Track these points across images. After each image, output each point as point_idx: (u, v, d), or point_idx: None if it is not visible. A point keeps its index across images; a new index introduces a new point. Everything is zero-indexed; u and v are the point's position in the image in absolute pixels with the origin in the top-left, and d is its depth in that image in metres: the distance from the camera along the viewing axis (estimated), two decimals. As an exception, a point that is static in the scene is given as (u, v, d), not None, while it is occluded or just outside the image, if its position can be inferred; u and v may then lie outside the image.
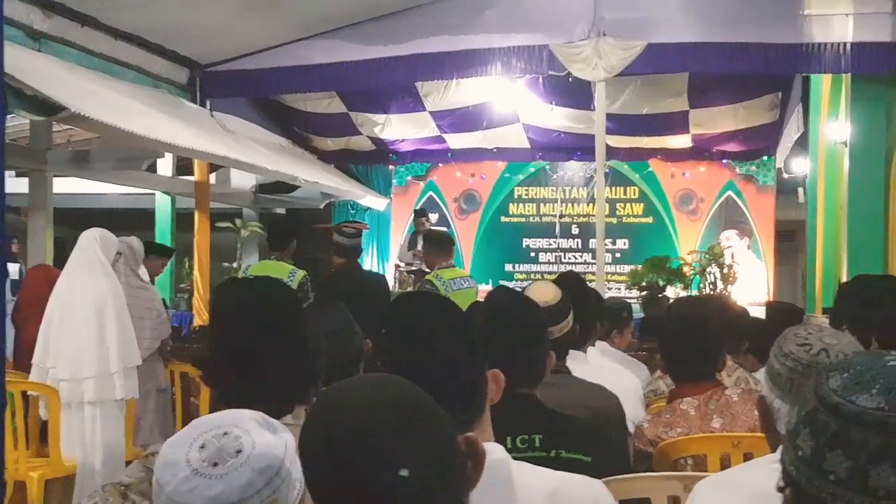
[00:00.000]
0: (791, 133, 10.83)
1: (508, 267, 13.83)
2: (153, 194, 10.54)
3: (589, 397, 2.84)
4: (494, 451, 1.68)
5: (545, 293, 3.04)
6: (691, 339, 3.10)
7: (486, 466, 1.62)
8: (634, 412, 3.33)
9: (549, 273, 12.67)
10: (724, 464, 2.69)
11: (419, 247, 9.38)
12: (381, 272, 12.19)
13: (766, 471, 1.77)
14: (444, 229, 12.13)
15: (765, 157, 12.93)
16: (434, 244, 7.15)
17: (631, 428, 3.13)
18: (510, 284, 12.55)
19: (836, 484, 1.04)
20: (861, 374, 1.08)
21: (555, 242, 13.55)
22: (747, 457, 2.53)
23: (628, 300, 10.33)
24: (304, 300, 6.35)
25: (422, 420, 1.18)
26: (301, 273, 6.62)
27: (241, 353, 2.06)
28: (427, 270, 7.52)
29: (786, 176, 13.15)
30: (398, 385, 1.23)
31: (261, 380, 2.04)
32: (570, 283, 3.22)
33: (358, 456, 1.13)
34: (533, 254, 13.87)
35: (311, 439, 1.18)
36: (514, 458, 1.82)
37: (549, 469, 1.78)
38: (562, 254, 13.64)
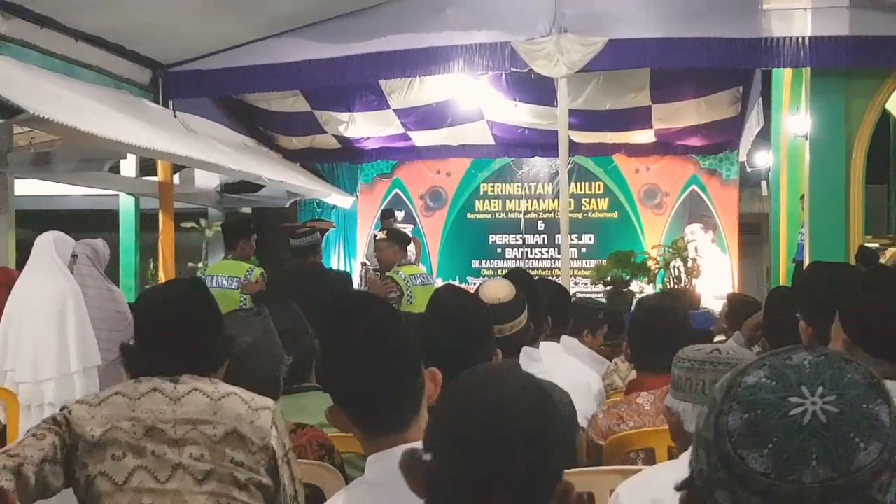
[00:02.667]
0: (752, 127, 10.94)
1: (475, 263, 13.87)
2: (117, 195, 10.47)
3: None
4: None
5: (498, 291, 3.06)
6: (657, 328, 3.14)
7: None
8: (587, 408, 3.37)
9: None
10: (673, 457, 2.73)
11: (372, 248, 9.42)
12: (347, 270, 12.20)
13: (673, 470, 1.86)
14: (406, 227, 12.17)
15: (728, 151, 13.04)
16: (393, 242, 7.19)
17: (583, 422, 3.16)
18: (476, 281, 12.62)
19: None
20: (760, 421, 1.00)
21: (521, 238, 13.60)
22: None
23: (594, 295, 10.54)
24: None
25: (557, 423, 1.30)
26: (258, 270, 6.65)
27: (157, 330, 2.48)
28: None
29: (749, 169, 13.29)
30: (542, 386, 1.31)
31: (172, 353, 2.44)
32: (519, 280, 3.24)
33: (497, 432, 1.23)
34: (499, 250, 13.92)
35: (454, 427, 1.26)
36: None
37: None
38: (528, 249, 13.70)
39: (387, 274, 7.17)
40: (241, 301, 6.55)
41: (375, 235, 7.53)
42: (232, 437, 2.33)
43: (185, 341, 2.44)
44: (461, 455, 1.23)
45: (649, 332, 3.19)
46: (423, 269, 9.00)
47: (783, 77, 10.62)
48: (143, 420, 2.34)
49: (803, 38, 8.62)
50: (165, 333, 2.46)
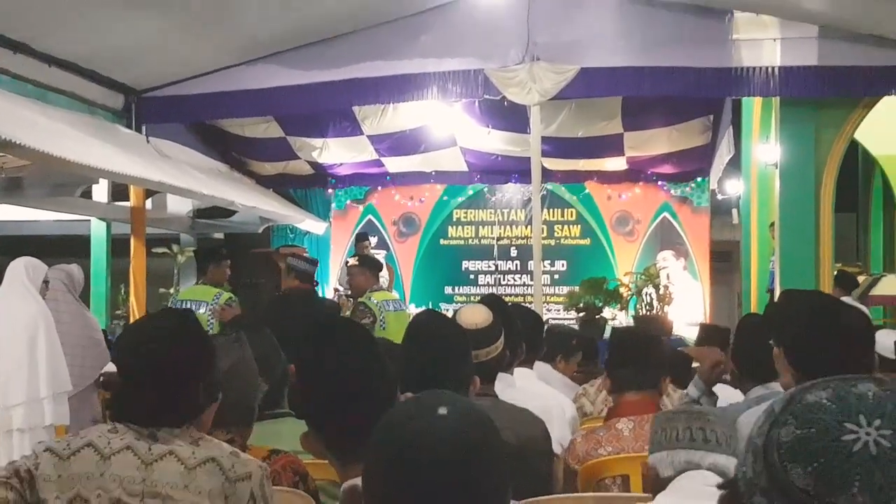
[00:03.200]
0: (723, 155, 11.06)
1: (448, 289, 13.86)
2: (88, 221, 10.39)
3: (514, 421, 2.86)
4: None
5: (475, 316, 3.06)
6: (636, 345, 3.15)
7: None
8: (562, 434, 3.37)
9: (490, 295, 12.71)
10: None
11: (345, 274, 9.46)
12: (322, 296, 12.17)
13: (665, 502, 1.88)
14: (379, 253, 12.18)
15: (699, 179, 13.15)
16: (365, 268, 7.23)
17: (558, 450, 3.15)
18: (450, 307, 12.62)
19: None
20: (811, 439, 1.02)
21: (494, 265, 13.62)
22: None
23: (566, 321, 10.56)
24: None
25: (497, 442, 1.29)
26: (226, 295, 6.71)
27: (138, 373, 2.25)
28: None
29: (720, 197, 13.43)
30: (476, 412, 1.30)
31: (153, 399, 2.23)
32: (494, 306, 3.25)
33: (440, 474, 1.20)
34: (472, 276, 13.92)
35: (394, 450, 1.24)
36: None
37: None
38: (501, 276, 13.72)
39: (359, 300, 7.18)
40: (209, 326, 6.58)
41: (347, 262, 7.55)
42: None
43: (170, 386, 2.24)
44: (392, 484, 1.22)
45: (628, 349, 3.20)
46: (395, 294, 9.01)
47: (753, 106, 10.75)
48: (110, 491, 2.15)
49: (773, 68, 8.73)
50: (148, 377, 2.24)
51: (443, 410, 1.22)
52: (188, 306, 6.85)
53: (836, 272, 9.52)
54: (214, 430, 2.47)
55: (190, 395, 2.26)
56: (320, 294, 12.24)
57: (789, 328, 2.40)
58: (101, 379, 6.21)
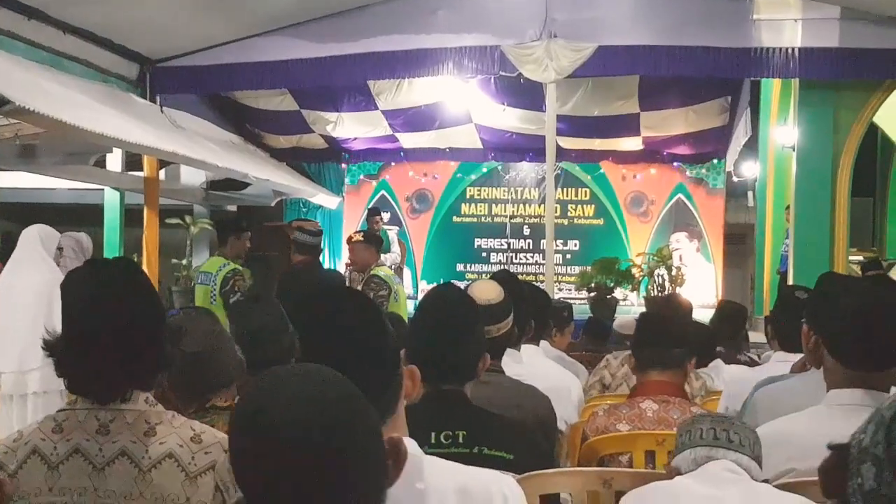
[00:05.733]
0: (740, 137, 10.97)
1: (460, 267, 13.86)
2: (101, 190, 10.40)
3: (520, 397, 2.85)
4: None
5: (487, 292, 3.05)
6: (664, 325, 3.12)
7: None
8: (567, 412, 3.35)
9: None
10: (651, 461, 2.72)
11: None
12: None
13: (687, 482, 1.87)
14: (392, 229, 12.18)
15: (715, 161, 13.08)
16: (369, 244, 7.24)
17: (563, 427, 3.14)
18: (461, 284, 12.60)
19: None
20: None
21: (506, 243, 13.59)
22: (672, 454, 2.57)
23: (577, 301, 10.54)
24: (231, 293, 6.43)
25: (352, 418, 1.20)
26: (229, 267, 6.70)
27: (82, 336, 1.99)
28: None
29: (735, 179, 13.33)
30: (333, 381, 1.24)
31: (92, 363, 1.98)
32: (505, 282, 3.23)
33: (285, 449, 1.14)
34: (484, 254, 13.92)
35: (241, 428, 1.19)
36: (437, 454, 1.85)
37: (463, 465, 1.79)
38: (513, 254, 13.70)
39: (373, 272, 7.18)
40: (211, 297, 6.58)
41: (350, 237, 7.54)
42: None
43: (130, 346, 1.98)
44: (239, 470, 1.19)
45: (655, 328, 3.16)
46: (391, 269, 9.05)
47: (772, 88, 10.66)
48: None
49: (793, 49, 8.64)
50: (105, 336, 1.98)
51: (291, 395, 1.17)
52: (200, 277, 6.88)
53: (863, 259, 9.44)
54: (217, 393, 2.44)
55: (150, 357, 2.02)
56: (327, 267, 12.30)
57: (835, 322, 2.37)
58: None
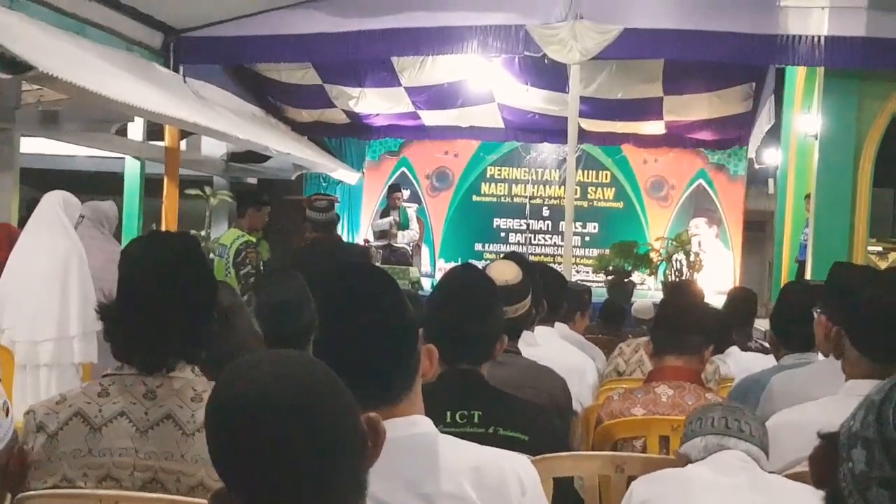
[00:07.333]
0: (763, 124, 10.90)
1: (478, 246, 13.86)
2: (122, 158, 10.43)
3: (535, 378, 2.85)
4: (421, 425, 1.70)
5: (505, 273, 3.04)
6: (683, 310, 3.10)
7: (410, 439, 1.65)
8: (582, 394, 3.36)
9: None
10: (664, 446, 2.73)
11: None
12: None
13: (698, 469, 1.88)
14: (411, 206, 12.17)
15: (737, 147, 13.01)
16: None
17: (578, 408, 3.14)
18: (479, 264, 12.60)
19: None
20: None
21: (525, 224, 13.57)
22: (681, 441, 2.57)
23: (594, 284, 10.53)
24: (242, 265, 6.43)
25: (323, 398, 1.19)
26: (243, 239, 6.69)
27: (137, 304, 2.04)
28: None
29: (757, 166, 13.25)
30: (304, 363, 1.24)
31: (143, 332, 2.02)
32: (518, 263, 3.22)
33: (256, 429, 1.15)
34: (503, 234, 13.91)
35: (214, 410, 1.20)
36: (452, 433, 1.84)
37: (477, 445, 1.80)
38: (532, 235, 13.68)
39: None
40: (226, 270, 6.57)
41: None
42: (199, 493, 1.93)
43: (173, 315, 2.02)
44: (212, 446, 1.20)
45: (674, 313, 3.14)
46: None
47: (797, 75, 10.57)
48: (98, 469, 1.96)
49: (819, 37, 8.58)
50: (151, 300, 2.02)
51: (261, 375, 1.18)
52: (219, 251, 6.88)
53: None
54: None
55: (199, 332, 2.08)
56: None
57: (861, 314, 2.35)
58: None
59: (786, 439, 2.31)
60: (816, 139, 9.06)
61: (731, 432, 2.09)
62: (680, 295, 3.44)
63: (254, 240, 6.91)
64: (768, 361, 3.88)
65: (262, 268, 6.72)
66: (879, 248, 13.59)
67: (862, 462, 1.06)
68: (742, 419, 2.13)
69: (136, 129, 10.18)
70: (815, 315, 2.97)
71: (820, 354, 3.09)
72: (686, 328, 2.98)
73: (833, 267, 3.07)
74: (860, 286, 2.47)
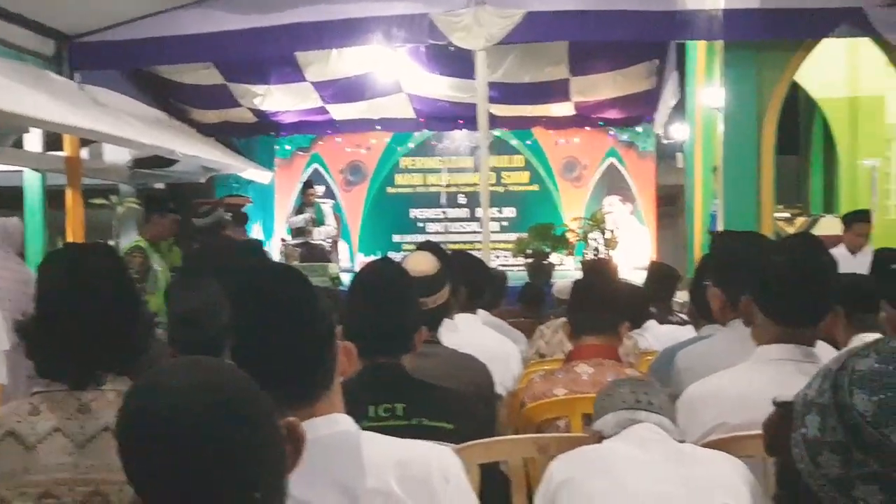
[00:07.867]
0: (668, 99, 11.06)
1: (396, 238, 13.83)
2: (20, 171, 10.10)
3: (457, 367, 2.84)
4: (341, 423, 1.69)
5: (421, 264, 3.04)
6: (597, 290, 3.13)
7: (331, 438, 1.62)
8: (505, 378, 3.35)
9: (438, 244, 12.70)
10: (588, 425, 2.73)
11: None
12: (259, 239, 12.03)
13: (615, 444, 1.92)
14: (326, 202, 12.07)
15: (644, 124, 13.19)
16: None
17: (503, 393, 3.13)
18: (398, 256, 12.57)
19: None
20: (884, 374, 1.06)
21: (442, 212, 13.58)
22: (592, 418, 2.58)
23: (515, 268, 10.58)
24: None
25: (237, 405, 1.16)
26: (132, 244, 6.60)
27: (57, 319, 2.00)
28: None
29: (665, 142, 13.45)
30: (218, 370, 1.21)
31: (70, 347, 1.98)
32: (435, 254, 3.21)
33: (170, 439, 1.11)
34: (420, 224, 13.90)
35: (125, 420, 1.16)
36: (376, 427, 1.84)
37: (399, 439, 1.78)
38: (449, 223, 13.69)
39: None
40: None
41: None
42: None
43: (98, 328, 1.97)
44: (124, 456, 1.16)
45: (588, 293, 3.17)
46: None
47: (698, 50, 10.73)
48: (36, 487, 1.90)
49: (716, 11, 8.69)
50: (83, 319, 1.97)
51: (178, 386, 1.14)
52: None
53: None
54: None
55: (125, 343, 2.02)
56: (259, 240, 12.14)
57: (769, 280, 2.38)
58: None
59: (703, 409, 2.35)
60: (720, 112, 9.21)
61: (641, 405, 2.13)
62: (593, 274, 3.46)
63: (142, 245, 6.79)
64: (686, 333, 3.91)
65: (148, 273, 6.65)
66: (787, 215, 13.95)
67: (815, 427, 1.09)
68: (651, 392, 2.18)
69: (33, 141, 9.86)
70: (708, 287, 3.02)
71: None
72: (600, 306, 3.01)
73: (715, 239, 3.12)
74: (762, 253, 2.51)
